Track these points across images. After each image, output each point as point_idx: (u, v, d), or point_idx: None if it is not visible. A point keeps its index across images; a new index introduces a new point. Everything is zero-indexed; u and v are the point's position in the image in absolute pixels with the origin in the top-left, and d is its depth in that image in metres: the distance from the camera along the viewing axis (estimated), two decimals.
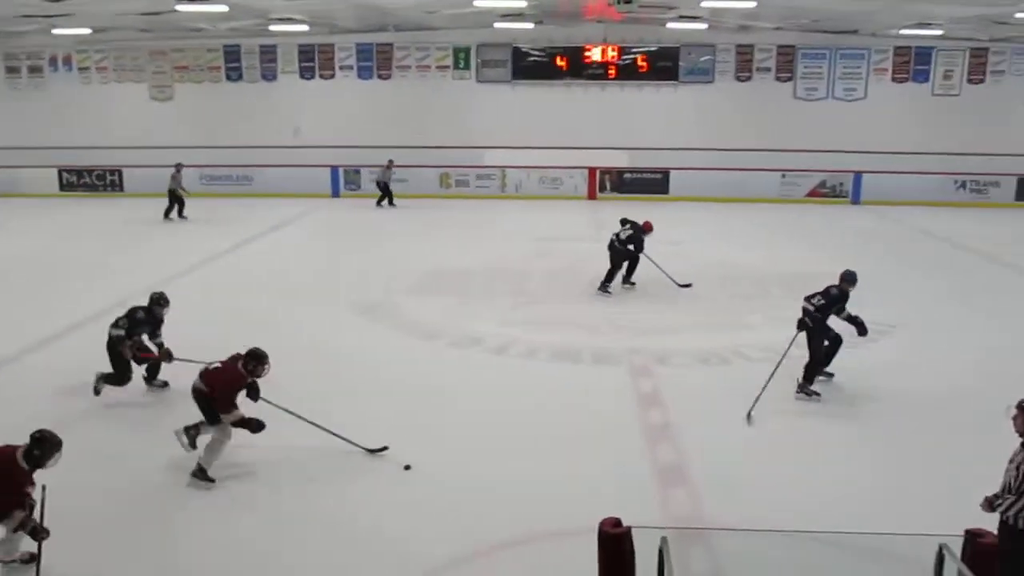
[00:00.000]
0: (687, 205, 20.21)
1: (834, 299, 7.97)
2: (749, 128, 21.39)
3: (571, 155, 21.36)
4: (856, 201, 21.10)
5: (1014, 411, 4.60)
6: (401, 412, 7.62)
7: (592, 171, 21.65)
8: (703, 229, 17.40)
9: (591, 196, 21.62)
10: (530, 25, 19.78)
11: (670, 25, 19.64)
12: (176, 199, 18.27)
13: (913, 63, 21.56)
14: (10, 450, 4.89)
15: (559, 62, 21.61)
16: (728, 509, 5.97)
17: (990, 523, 4.23)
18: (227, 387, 6.31)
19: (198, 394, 6.45)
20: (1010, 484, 4.53)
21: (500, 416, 7.66)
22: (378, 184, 20.36)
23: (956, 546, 3.67)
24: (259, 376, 6.43)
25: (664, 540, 3.60)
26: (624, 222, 12.22)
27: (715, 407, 7.78)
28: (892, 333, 10.23)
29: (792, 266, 13.84)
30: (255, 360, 6.35)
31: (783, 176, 21.29)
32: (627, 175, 21.68)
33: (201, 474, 6.32)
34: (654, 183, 21.44)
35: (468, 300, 12.00)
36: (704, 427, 7.41)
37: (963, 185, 21.10)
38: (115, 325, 7.85)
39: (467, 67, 22.02)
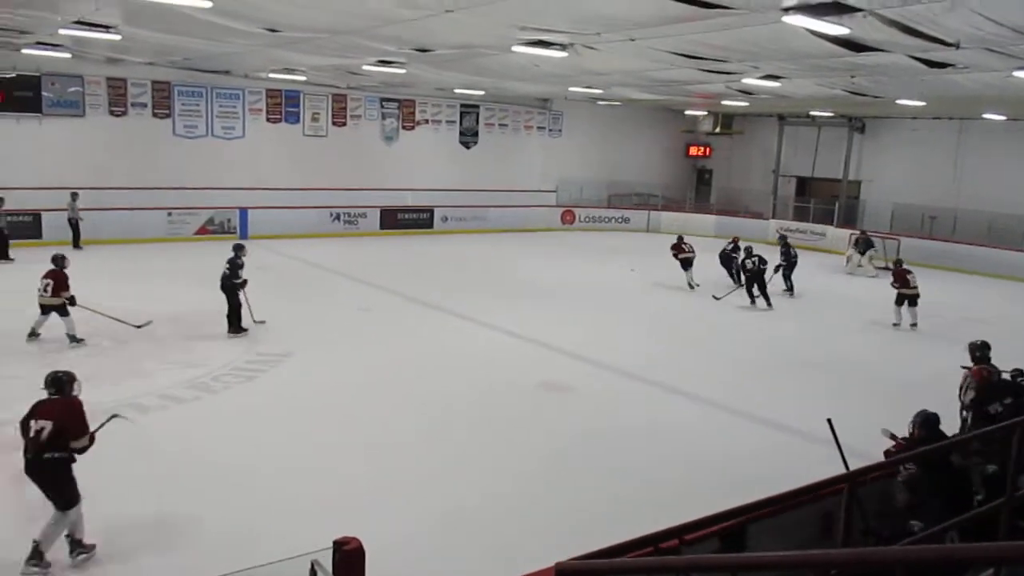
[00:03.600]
0: (64, 250, 18.38)
1: None
2: (129, 166, 20.58)
3: None
4: (244, 237, 21.77)
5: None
6: None
7: None
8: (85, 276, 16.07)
9: None
10: None
11: (27, 51, 17.80)
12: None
13: (284, 105, 23.16)
14: None
15: None
16: None
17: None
18: None
19: None
20: None
21: None
22: None
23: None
24: None
25: None
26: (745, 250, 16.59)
27: None
28: (284, 362, 10.89)
29: (180, 306, 13.70)
30: None
31: (169, 215, 20.92)
32: None
33: None
34: (25, 227, 19.04)
35: None
36: None
37: (338, 217, 23.40)
38: None
39: None
